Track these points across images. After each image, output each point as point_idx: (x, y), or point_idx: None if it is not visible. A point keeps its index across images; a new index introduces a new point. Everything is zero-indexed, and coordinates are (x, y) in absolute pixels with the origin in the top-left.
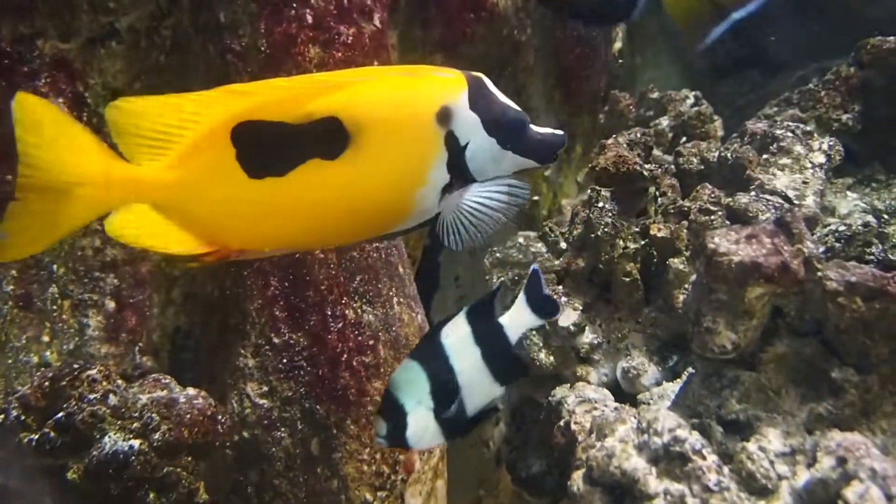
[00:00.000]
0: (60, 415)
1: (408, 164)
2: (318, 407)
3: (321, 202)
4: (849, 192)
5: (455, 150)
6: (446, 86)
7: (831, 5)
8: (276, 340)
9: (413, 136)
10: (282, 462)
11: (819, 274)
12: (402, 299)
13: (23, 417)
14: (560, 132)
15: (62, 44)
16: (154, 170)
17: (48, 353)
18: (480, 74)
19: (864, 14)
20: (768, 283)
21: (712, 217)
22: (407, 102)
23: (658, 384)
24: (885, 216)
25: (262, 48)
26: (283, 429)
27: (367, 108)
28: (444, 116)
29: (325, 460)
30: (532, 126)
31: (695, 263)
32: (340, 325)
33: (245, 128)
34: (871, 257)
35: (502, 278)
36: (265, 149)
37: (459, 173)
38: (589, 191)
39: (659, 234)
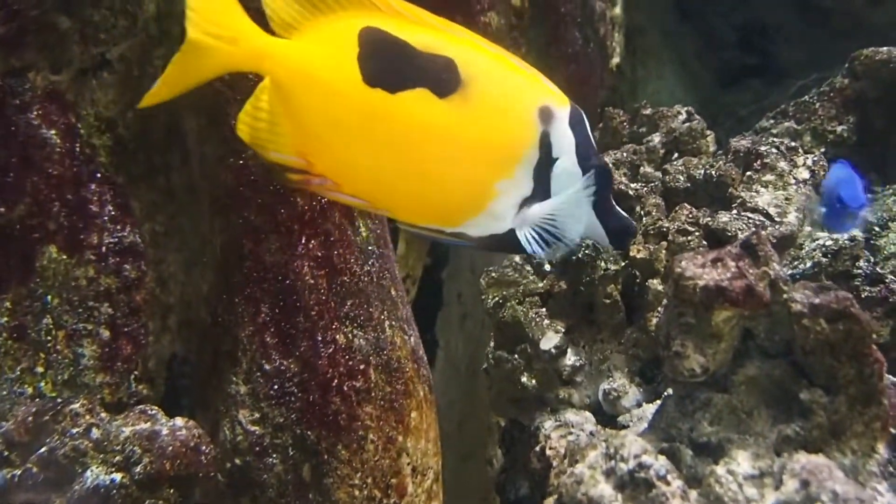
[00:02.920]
0: (43, 450)
1: (503, 135)
2: (308, 433)
3: (417, 136)
4: None
5: (545, 156)
6: (553, 93)
7: (836, 12)
8: (266, 367)
9: (514, 112)
10: (274, 489)
11: (785, 296)
12: (394, 322)
13: (6, 453)
14: (633, 222)
15: (53, 76)
16: (280, 42)
17: (42, 383)
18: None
19: (870, 21)
20: (734, 307)
21: (689, 238)
22: (518, 81)
23: (639, 405)
24: (877, 228)
25: (251, 76)
26: (274, 455)
27: (483, 65)
28: (546, 114)
29: (316, 486)
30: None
31: (666, 286)
32: (331, 350)
33: (375, 33)
34: (859, 271)
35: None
36: (386, 60)
37: (541, 187)
38: None
39: (639, 256)
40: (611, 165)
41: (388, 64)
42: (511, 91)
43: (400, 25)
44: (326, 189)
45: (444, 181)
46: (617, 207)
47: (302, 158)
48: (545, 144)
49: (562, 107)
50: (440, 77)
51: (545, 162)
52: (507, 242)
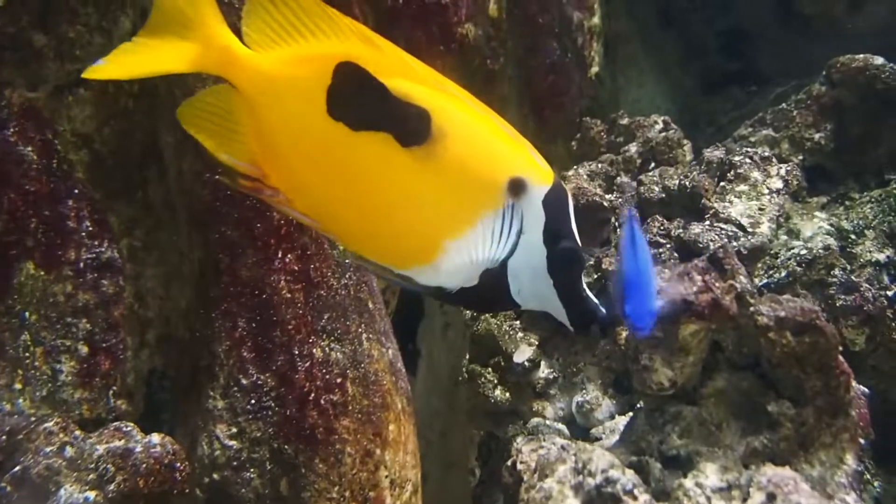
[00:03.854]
0: (16, 469)
1: (461, 197)
2: (286, 447)
3: (371, 177)
4: (817, 214)
5: (507, 227)
6: (535, 167)
7: (817, 19)
8: (244, 381)
9: (479, 178)
10: (252, 503)
11: (751, 309)
12: (371, 335)
13: None
14: (603, 310)
15: (30, 92)
16: (253, 54)
17: (20, 400)
18: (570, 192)
19: (850, 27)
20: (700, 320)
21: (661, 250)
22: (495, 148)
23: (612, 417)
24: (853, 236)
25: None
26: (252, 470)
27: (461, 124)
28: (517, 186)
29: (294, 500)
30: (585, 285)
31: None
32: (308, 364)
33: (351, 68)
34: (834, 280)
35: None
36: (356, 97)
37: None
38: None
39: (610, 268)
40: (581, 253)
41: (357, 102)
42: (482, 156)
43: (387, 66)
44: (277, 202)
45: (393, 226)
46: (587, 293)
47: (257, 168)
48: (508, 216)
49: (540, 183)
50: (408, 126)
51: (506, 233)
52: (455, 298)
